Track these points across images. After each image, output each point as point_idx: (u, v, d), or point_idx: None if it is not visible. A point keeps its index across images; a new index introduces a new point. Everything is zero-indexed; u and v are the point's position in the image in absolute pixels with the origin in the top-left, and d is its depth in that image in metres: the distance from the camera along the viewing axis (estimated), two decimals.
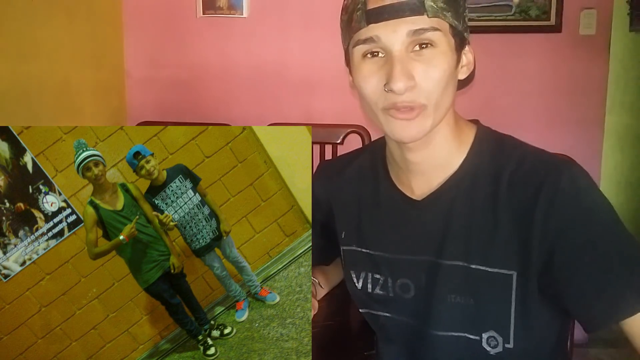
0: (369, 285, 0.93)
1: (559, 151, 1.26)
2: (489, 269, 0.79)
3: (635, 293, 0.72)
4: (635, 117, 3.13)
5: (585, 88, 2.32)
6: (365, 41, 0.76)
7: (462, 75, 0.81)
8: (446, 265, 0.82)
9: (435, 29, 0.73)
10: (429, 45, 0.74)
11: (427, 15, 0.73)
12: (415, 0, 0.73)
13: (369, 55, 0.76)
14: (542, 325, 0.81)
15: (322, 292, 1.08)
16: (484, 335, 0.81)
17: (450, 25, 0.75)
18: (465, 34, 0.78)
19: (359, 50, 0.77)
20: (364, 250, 0.93)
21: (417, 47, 0.74)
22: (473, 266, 0.80)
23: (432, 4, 0.73)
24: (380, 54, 0.75)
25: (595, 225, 0.74)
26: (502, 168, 0.80)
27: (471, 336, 0.82)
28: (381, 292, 0.91)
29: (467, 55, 0.80)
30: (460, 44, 0.78)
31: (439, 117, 0.78)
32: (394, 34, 0.73)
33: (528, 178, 0.77)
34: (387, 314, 0.92)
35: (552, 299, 0.78)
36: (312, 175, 1.06)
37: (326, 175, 1.03)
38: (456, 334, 0.83)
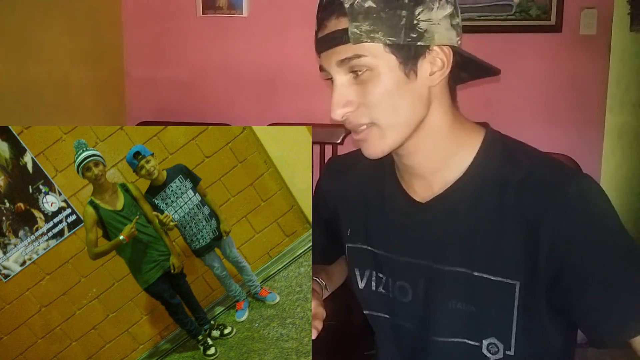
0: (373, 284, 0.93)
1: (559, 151, 1.26)
2: (492, 277, 0.78)
3: None
4: (635, 117, 3.12)
5: (585, 88, 2.32)
6: (320, 69, 0.79)
7: (437, 80, 0.77)
8: (447, 271, 0.82)
9: (359, 56, 0.73)
10: (364, 69, 0.74)
11: (351, 42, 0.73)
12: (340, 30, 0.73)
13: (328, 81, 0.79)
14: (546, 334, 0.80)
15: (325, 294, 1.08)
16: (484, 342, 0.80)
17: (386, 44, 0.73)
18: (419, 42, 0.73)
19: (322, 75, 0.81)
20: (369, 248, 0.93)
21: (354, 73, 0.75)
22: (476, 273, 0.79)
23: (355, 30, 0.72)
24: (332, 80, 0.78)
25: (605, 241, 0.73)
26: (510, 176, 0.78)
27: (471, 342, 0.82)
28: (383, 291, 0.91)
29: (436, 60, 0.76)
30: (408, 56, 0.74)
31: (401, 134, 0.77)
32: (329, 65, 0.77)
33: (537, 188, 0.76)
34: (387, 316, 0.92)
35: (560, 312, 0.77)
36: (320, 171, 1.06)
37: (334, 172, 1.03)
38: (456, 339, 0.83)
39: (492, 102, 2.33)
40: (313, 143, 1.71)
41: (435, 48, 0.76)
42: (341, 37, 0.73)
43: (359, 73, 0.74)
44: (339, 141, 2.02)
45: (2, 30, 1.80)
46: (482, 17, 2.29)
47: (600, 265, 0.72)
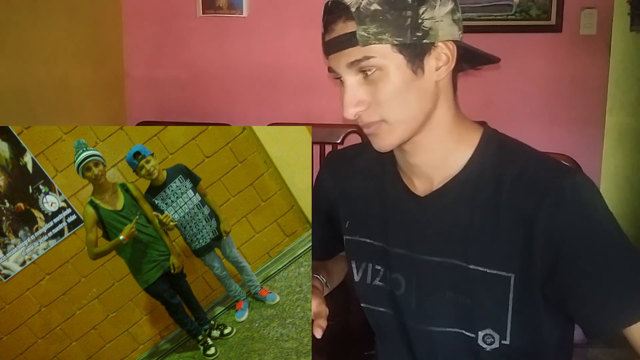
0: (369, 277, 0.94)
1: (559, 151, 1.26)
2: (488, 270, 0.80)
3: (638, 301, 0.74)
4: (635, 117, 3.13)
5: (585, 88, 2.32)
6: (329, 70, 0.81)
7: (443, 74, 0.79)
8: (443, 263, 0.83)
9: (369, 57, 0.75)
10: (374, 69, 0.76)
11: (360, 45, 0.75)
12: (348, 33, 0.75)
13: (336, 80, 0.81)
14: (541, 326, 0.81)
15: (325, 292, 1.08)
16: (480, 333, 0.82)
17: (394, 44, 0.75)
18: (425, 40, 0.76)
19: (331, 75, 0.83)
20: (367, 240, 0.94)
21: (363, 73, 0.77)
22: (471, 266, 0.81)
23: (363, 33, 0.74)
24: (342, 79, 0.80)
25: (599, 235, 0.75)
26: (505, 172, 0.81)
27: (467, 333, 0.83)
28: (380, 283, 0.92)
29: (441, 56, 0.78)
30: (415, 54, 0.76)
31: (410, 128, 0.80)
32: (338, 66, 0.78)
33: (531, 184, 0.78)
34: (382, 309, 0.93)
35: (556, 306, 0.79)
36: (321, 164, 1.07)
37: (335, 165, 1.04)
38: (451, 329, 0.84)
39: (492, 102, 2.34)
40: (313, 143, 1.71)
41: (440, 44, 0.78)
42: (349, 40, 0.75)
43: (369, 73, 0.76)
44: (339, 141, 2.02)
45: (2, 30, 1.80)
46: (482, 17, 2.29)
47: (592, 258, 0.75)
